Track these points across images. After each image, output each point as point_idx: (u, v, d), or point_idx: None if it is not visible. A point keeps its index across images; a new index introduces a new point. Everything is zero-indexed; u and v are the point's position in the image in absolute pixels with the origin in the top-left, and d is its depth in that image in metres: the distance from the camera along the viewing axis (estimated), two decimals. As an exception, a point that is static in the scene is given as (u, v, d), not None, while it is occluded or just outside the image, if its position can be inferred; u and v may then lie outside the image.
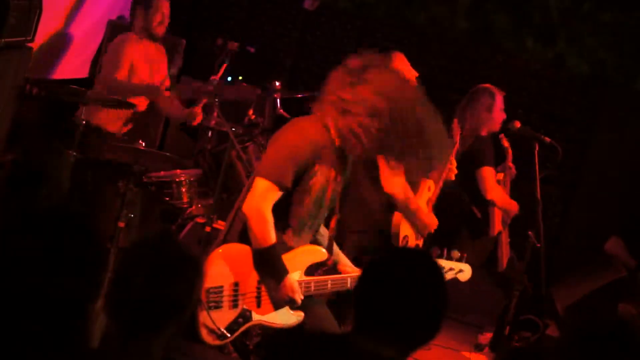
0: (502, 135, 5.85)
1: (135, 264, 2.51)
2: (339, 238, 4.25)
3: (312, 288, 3.96)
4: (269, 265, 3.85)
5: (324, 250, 4.06)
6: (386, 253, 2.60)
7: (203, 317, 3.79)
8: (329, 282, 4.02)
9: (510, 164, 6.00)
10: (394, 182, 4.77)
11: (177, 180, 5.63)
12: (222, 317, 3.83)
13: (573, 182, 7.42)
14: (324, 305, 4.12)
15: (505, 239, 5.82)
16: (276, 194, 3.82)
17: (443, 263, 4.42)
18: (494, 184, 5.67)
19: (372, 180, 4.85)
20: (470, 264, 5.78)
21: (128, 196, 5.16)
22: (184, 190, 5.63)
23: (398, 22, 8.21)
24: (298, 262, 3.96)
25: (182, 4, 8.15)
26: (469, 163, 5.70)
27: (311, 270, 4.05)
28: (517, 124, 5.74)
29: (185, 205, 5.61)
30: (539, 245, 5.56)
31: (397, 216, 4.84)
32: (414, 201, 4.80)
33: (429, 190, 5.14)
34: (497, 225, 5.74)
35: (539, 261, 5.56)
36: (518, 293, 5.70)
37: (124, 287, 2.48)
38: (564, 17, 7.90)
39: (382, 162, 4.79)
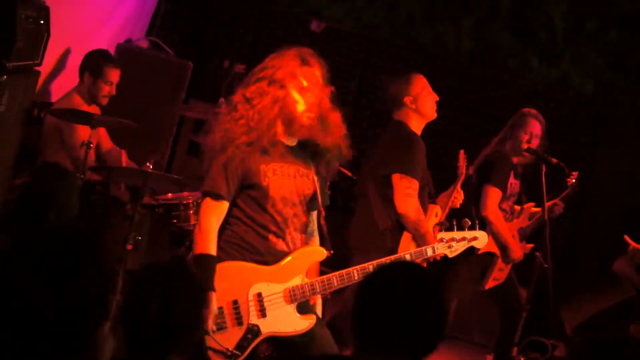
0: (574, 174, 5.83)
1: (148, 289, 2.52)
2: (345, 260, 4.23)
3: (318, 288, 3.93)
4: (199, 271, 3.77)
5: (323, 250, 4.02)
6: (380, 268, 2.60)
7: (209, 341, 3.77)
8: (335, 278, 3.95)
9: (559, 202, 5.95)
10: (407, 202, 4.77)
11: (184, 202, 5.64)
12: (228, 338, 3.81)
13: (579, 201, 7.41)
14: (323, 326, 4.08)
15: (499, 264, 5.75)
16: (214, 205, 3.84)
17: (454, 234, 4.30)
18: (493, 205, 5.62)
19: (383, 199, 4.85)
20: (463, 279, 5.76)
21: (136, 219, 5.18)
22: (191, 212, 5.63)
23: (404, 42, 8.25)
24: (297, 267, 3.93)
25: (189, 27, 8.21)
26: (481, 174, 5.70)
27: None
28: (524, 146, 5.74)
29: (192, 228, 5.61)
30: (546, 265, 5.54)
31: (405, 238, 4.83)
32: (425, 224, 4.79)
33: (436, 216, 5.13)
34: (487, 245, 5.67)
35: (546, 282, 5.54)
36: (525, 315, 5.67)
37: (137, 312, 2.50)
38: (568, 37, 7.93)
39: (397, 181, 4.80)
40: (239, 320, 3.83)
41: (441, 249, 4.28)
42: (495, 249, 5.69)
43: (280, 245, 3.93)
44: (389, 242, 4.79)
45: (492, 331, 6.29)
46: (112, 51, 6.98)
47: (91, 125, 5.37)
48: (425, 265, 4.78)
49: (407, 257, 4.18)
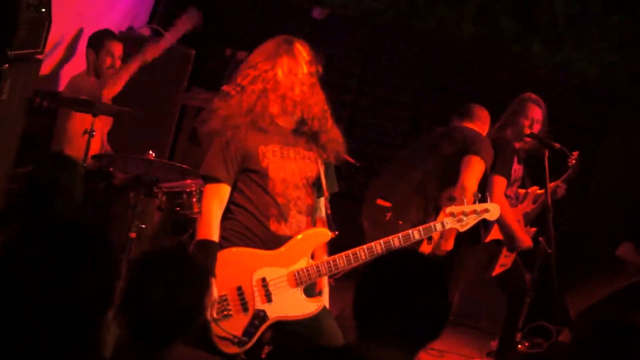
0: (575, 154, 5.82)
1: (150, 275, 2.53)
2: (391, 230, 4.24)
3: (323, 270, 3.90)
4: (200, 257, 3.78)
5: (327, 230, 3.99)
6: (383, 257, 2.60)
7: (215, 329, 3.77)
8: (340, 259, 3.89)
9: (561, 183, 5.93)
10: (473, 183, 4.99)
11: (187, 190, 5.64)
12: (235, 324, 3.80)
13: (584, 186, 7.40)
14: (331, 317, 4.05)
15: (505, 251, 5.73)
16: (214, 188, 3.86)
17: (464, 208, 4.11)
18: (499, 194, 5.58)
19: (441, 177, 5.07)
20: (469, 268, 5.77)
21: (139, 207, 5.18)
22: (194, 200, 5.63)
23: (406, 28, 8.23)
24: (301, 249, 3.91)
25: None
26: None
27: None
28: (527, 131, 5.71)
29: (196, 215, 5.61)
30: (550, 251, 5.53)
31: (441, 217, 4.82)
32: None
33: None
34: (493, 233, 5.66)
35: (550, 267, 5.53)
36: (529, 300, 5.67)
37: (139, 299, 2.50)
38: (571, 20, 7.89)
39: (476, 161, 5.16)
40: (244, 307, 3.82)
41: (451, 224, 4.10)
42: (497, 237, 5.68)
43: (283, 229, 3.89)
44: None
45: (498, 318, 6.29)
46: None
47: (93, 113, 5.37)
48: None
49: (416, 234, 4.01)
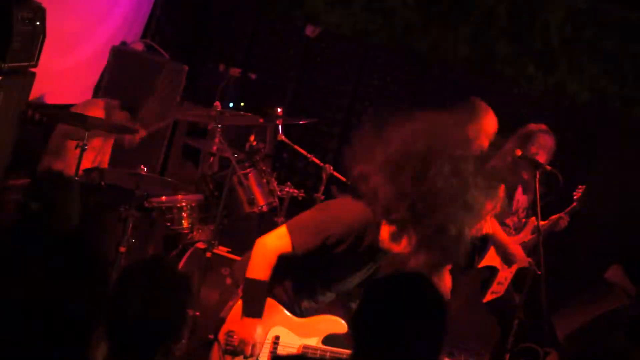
0: (581, 188, 5.82)
1: (129, 289, 2.52)
2: None
3: (328, 356, 3.94)
4: (247, 296, 3.81)
5: (344, 324, 4.00)
6: (383, 277, 2.60)
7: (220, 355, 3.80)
8: (345, 355, 3.92)
9: (564, 215, 5.93)
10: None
11: (178, 205, 5.63)
12: None
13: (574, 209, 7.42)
14: None
15: (499, 278, 5.74)
16: (288, 249, 3.76)
17: None
18: (496, 223, 5.60)
19: None
20: (462, 293, 5.77)
21: (129, 222, 5.17)
22: (185, 215, 5.63)
23: (399, 48, 8.26)
24: (318, 329, 3.97)
25: (185, 30, 8.21)
26: None
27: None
28: (518, 152, 5.69)
29: (186, 231, 5.61)
30: (539, 272, 5.53)
31: None
32: None
33: None
34: (487, 259, 5.67)
35: (539, 289, 5.54)
36: (517, 322, 5.67)
37: (120, 311, 2.50)
38: (564, 44, 7.94)
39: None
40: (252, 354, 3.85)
41: None
42: (495, 263, 5.69)
43: (310, 307, 4.01)
44: None
45: (483, 338, 6.28)
46: (107, 54, 6.98)
47: (85, 127, 5.37)
48: None
49: None
